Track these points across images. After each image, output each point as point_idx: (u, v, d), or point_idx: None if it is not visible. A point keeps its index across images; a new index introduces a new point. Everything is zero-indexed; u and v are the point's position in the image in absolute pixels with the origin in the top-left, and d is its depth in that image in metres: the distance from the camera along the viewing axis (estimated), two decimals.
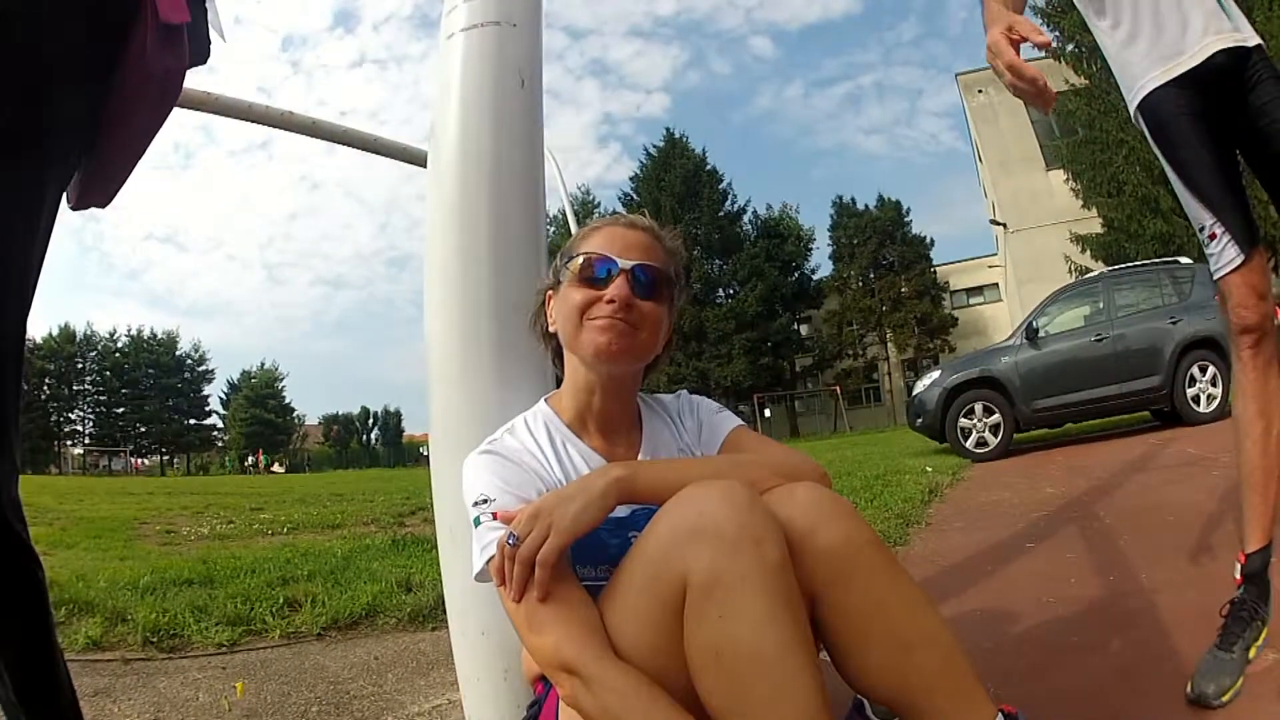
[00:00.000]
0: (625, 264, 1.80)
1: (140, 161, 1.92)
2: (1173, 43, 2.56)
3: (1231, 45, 2.50)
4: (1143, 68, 2.64)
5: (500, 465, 1.76)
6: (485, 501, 1.66)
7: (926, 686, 1.52)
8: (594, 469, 1.80)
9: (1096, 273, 16.10)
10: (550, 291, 1.95)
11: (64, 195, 1.78)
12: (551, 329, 1.94)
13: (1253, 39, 2.53)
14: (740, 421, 2.03)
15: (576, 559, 1.64)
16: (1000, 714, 1.53)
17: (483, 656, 2.39)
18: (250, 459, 68.62)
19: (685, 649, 1.42)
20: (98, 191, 1.88)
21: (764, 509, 1.47)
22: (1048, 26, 28.60)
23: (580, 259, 1.83)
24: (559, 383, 2.03)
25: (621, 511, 1.65)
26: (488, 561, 1.56)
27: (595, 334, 1.78)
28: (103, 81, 1.73)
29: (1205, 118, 2.54)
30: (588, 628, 1.46)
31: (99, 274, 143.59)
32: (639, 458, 1.92)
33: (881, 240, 55.69)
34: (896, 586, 1.54)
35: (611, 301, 1.77)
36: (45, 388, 71.87)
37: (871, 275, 56.22)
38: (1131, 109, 2.73)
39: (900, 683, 1.53)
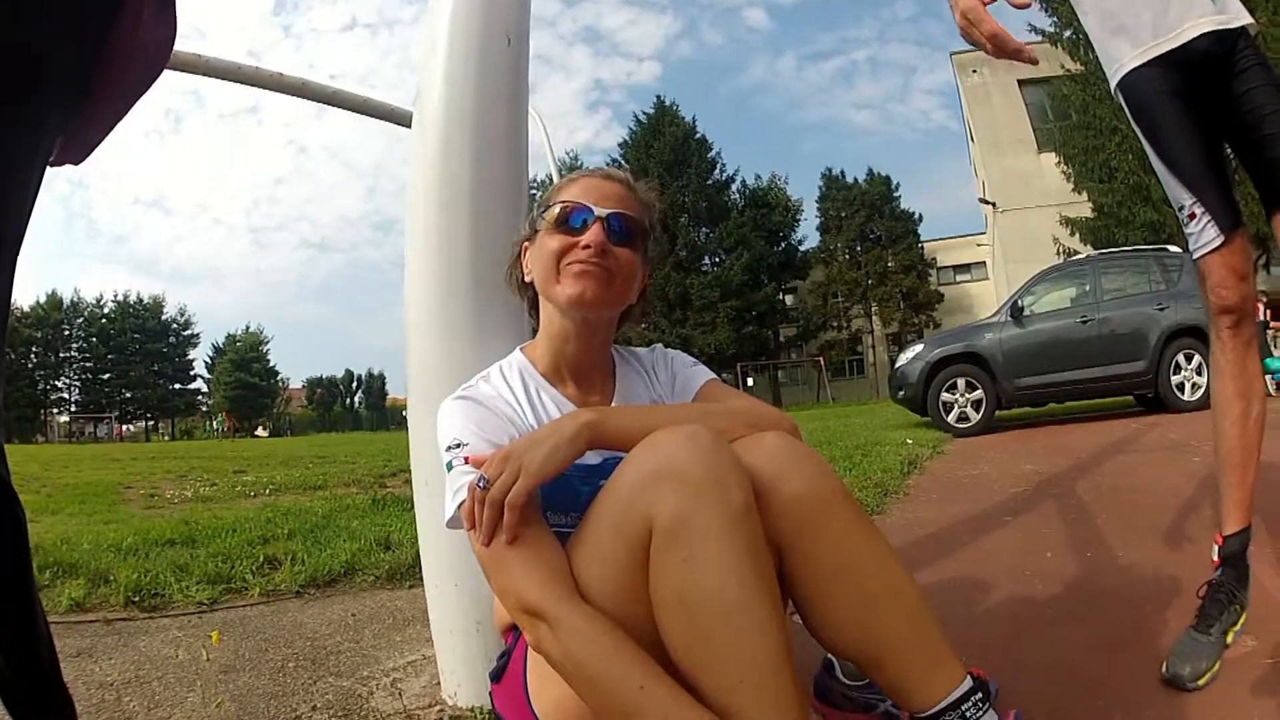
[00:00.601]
0: (601, 211, 1.81)
1: (119, 124, 1.92)
2: (1152, 23, 2.54)
3: (1214, 29, 2.47)
4: (1122, 48, 2.63)
5: (474, 410, 1.76)
6: (458, 446, 1.66)
7: (894, 643, 1.53)
8: (568, 411, 1.80)
9: (1085, 255, 16.13)
10: (526, 243, 1.95)
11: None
12: (527, 279, 1.94)
13: (1238, 20, 2.50)
14: (713, 375, 2.04)
15: (548, 506, 1.64)
16: (969, 676, 1.54)
17: (456, 609, 2.42)
18: (220, 422, 66.66)
19: (650, 593, 1.43)
20: (75, 151, 1.87)
21: (731, 455, 1.47)
22: (1045, 12, 28.61)
23: (557, 207, 1.84)
24: (535, 334, 2.03)
25: (593, 459, 1.66)
26: (460, 506, 1.57)
27: (571, 281, 1.79)
28: (96, 45, 1.72)
29: (1188, 99, 2.52)
30: (554, 571, 1.47)
31: (85, 240, 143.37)
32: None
33: (869, 214, 55.83)
34: (864, 539, 1.55)
35: (587, 247, 1.77)
36: (33, 356, 71.77)
37: (858, 248, 56.47)
38: (1112, 87, 2.72)
39: (867, 638, 1.54)
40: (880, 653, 1.54)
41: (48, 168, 1.75)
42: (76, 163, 1.91)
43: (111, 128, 1.90)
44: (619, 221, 1.82)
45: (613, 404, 1.93)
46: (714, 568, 1.36)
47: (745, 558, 1.38)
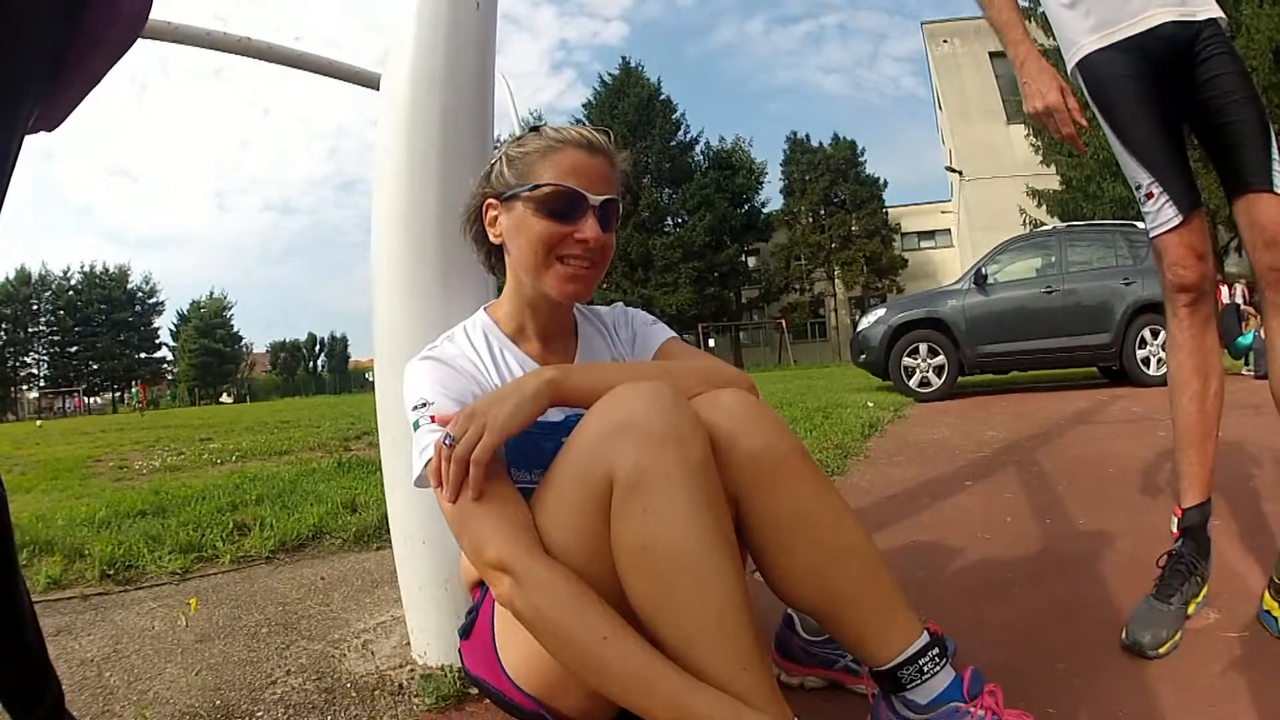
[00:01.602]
0: (595, 200, 1.77)
1: (94, 89, 1.91)
2: (1111, 8, 2.56)
3: (1175, 18, 2.49)
4: (1080, 30, 2.64)
5: (439, 370, 1.78)
6: (424, 405, 1.68)
7: (851, 597, 1.57)
8: (532, 370, 1.82)
9: (1051, 226, 16.19)
10: (494, 200, 1.88)
11: None
12: (495, 240, 1.91)
13: (1204, 13, 2.51)
14: (673, 333, 2.07)
15: (512, 463, 1.67)
16: (926, 632, 1.58)
17: (424, 566, 2.45)
18: (133, 393, 62.76)
19: (612, 546, 1.46)
20: (48, 119, 1.87)
21: (690, 410, 1.51)
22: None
23: (547, 189, 1.77)
24: (500, 290, 2.04)
25: (556, 416, 1.68)
26: (426, 464, 1.59)
27: (563, 281, 1.79)
28: (74, 15, 1.72)
29: (1148, 81, 2.53)
30: (519, 526, 1.49)
31: (53, 212, 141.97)
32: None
33: (834, 178, 55.57)
34: (819, 495, 1.59)
35: (584, 241, 1.76)
36: (2, 333, 71.15)
37: (822, 212, 56.16)
38: (1069, 69, 2.74)
39: (824, 592, 1.58)
40: (837, 607, 1.59)
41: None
42: (50, 129, 1.91)
43: (88, 91, 1.90)
44: (609, 208, 1.81)
45: (575, 362, 1.95)
46: (674, 518, 1.40)
47: (704, 509, 1.41)
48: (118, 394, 78.17)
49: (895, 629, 1.57)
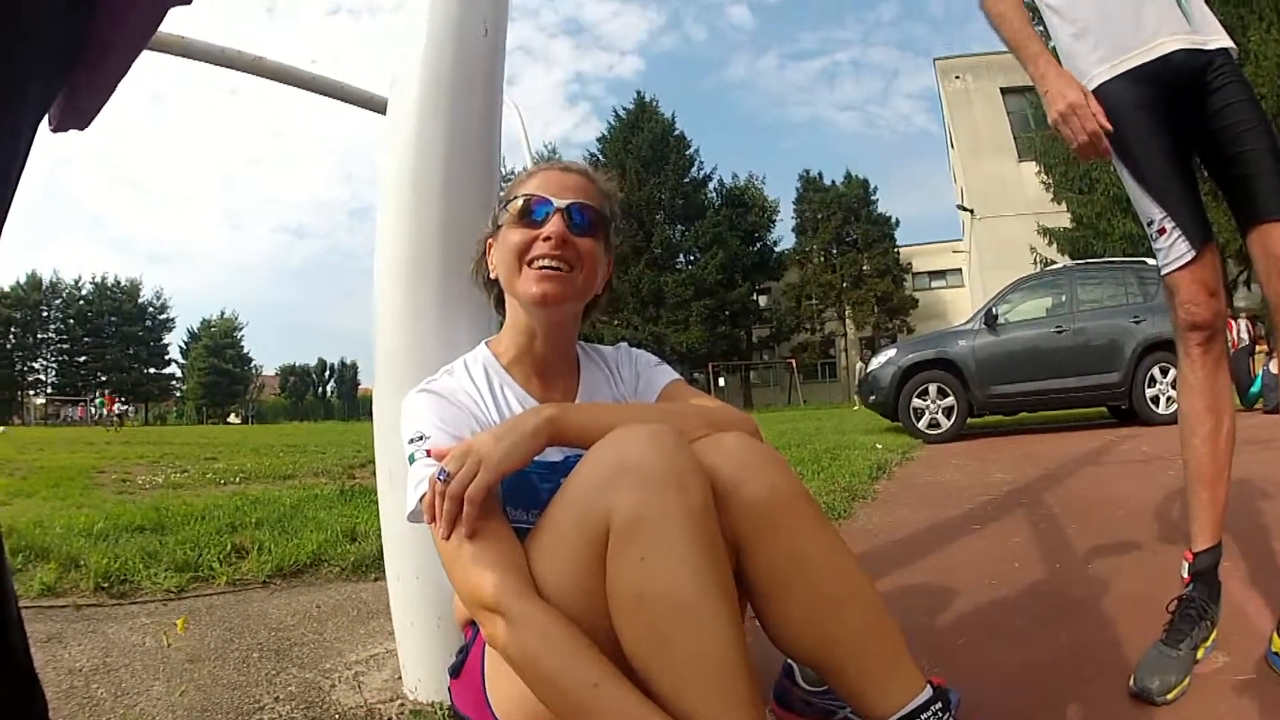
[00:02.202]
0: (560, 203, 1.83)
1: (124, 78, 1.88)
2: (1122, 37, 2.55)
3: (1187, 46, 2.48)
4: (1090, 61, 2.63)
5: (437, 404, 1.77)
6: (421, 439, 1.67)
7: (852, 647, 1.53)
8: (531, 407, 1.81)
9: (1061, 265, 16.17)
10: (490, 240, 1.97)
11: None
12: (493, 275, 1.96)
13: (1215, 42, 2.51)
14: (677, 375, 2.05)
15: (508, 502, 1.65)
16: (929, 685, 1.54)
17: (416, 601, 2.42)
18: (99, 404, 57.66)
19: (607, 591, 1.43)
20: (77, 114, 1.83)
21: (690, 454, 1.49)
22: (1035, 22, 28.70)
23: (519, 200, 1.86)
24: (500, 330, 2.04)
25: (554, 456, 1.67)
26: (421, 499, 1.57)
27: (533, 283, 1.81)
28: (86, 4, 1.69)
29: (1158, 112, 2.52)
30: (512, 566, 1.47)
31: (62, 219, 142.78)
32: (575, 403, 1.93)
33: (846, 216, 56.09)
34: (822, 541, 1.56)
35: (549, 239, 1.80)
36: (11, 336, 71.43)
37: (834, 251, 56.64)
38: None
39: (825, 642, 1.54)
40: (838, 657, 1.54)
41: (53, 133, 1.72)
42: (82, 127, 1.88)
43: (113, 88, 1.87)
44: (579, 212, 1.84)
45: (576, 400, 1.94)
46: (671, 566, 1.37)
47: (703, 556, 1.38)
48: (125, 406, 78.59)
49: (897, 681, 1.53)
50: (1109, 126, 2.45)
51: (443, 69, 2.48)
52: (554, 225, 1.80)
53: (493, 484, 1.48)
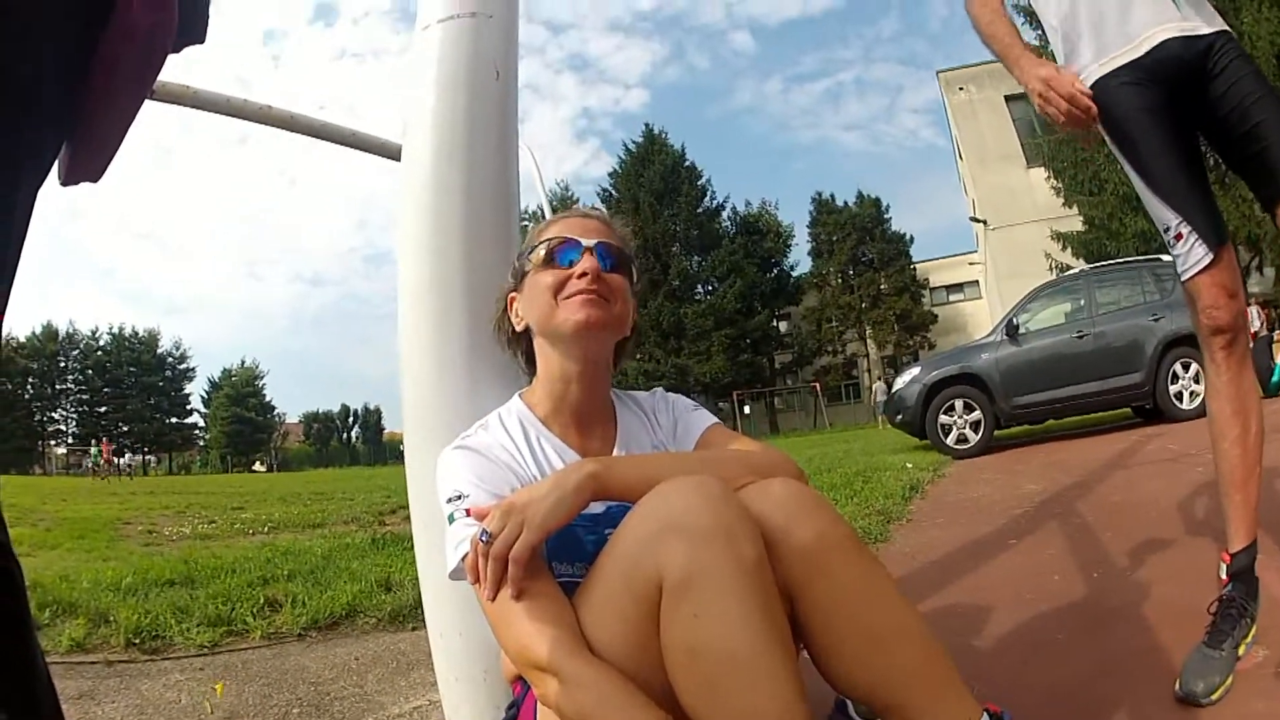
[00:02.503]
0: (588, 242, 1.84)
1: (128, 132, 1.88)
2: (1113, 31, 2.56)
3: (1178, 35, 2.48)
4: (1083, 61, 2.64)
5: (474, 461, 1.75)
6: (459, 498, 1.65)
7: (906, 682, 1.51)
8: (571, 458, 1.81)
9: (1078, 269, 16.10)
10: (512, 294, 1.98)
11: (53, 170, 1.73)
12: (519, 328, 1.95)
13: (1207, 27, 2.50)
14: (715, 419, 2.04)
15: (552, 556, 1.63)
16: (985, 712, 1.52)
17: (460, 657, 2.39)
18: (95, 452, 51.38)
19: (661, 647, 1.41)
20: (86, 165, 1.83)
21: (739, 505, 1.47)
22: (1028, 25, 28.78)
23: (543, 246, 1.87)
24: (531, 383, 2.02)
25: (597, 508, 1.64)
26: (462, 559, 1.56)
27: (573, 309, 1.80)
28: (84, 45, 1.68)
29: (1163, 113, 2.51)
30: (562, 625, 1.46)
31: (76, 271, 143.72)
32: (614, 453, 1.91)
33: (861, 237, 56.04)
34: (873, 582, 1.54)
35: (584, 275, 1.80)
36: (29, 387, 71.84)
37: (851, 272, 56.52)
38: None
39: (879, 679, 1.52)
40: (893, 693, 1.53)
41: (63, 187, 1.72)
42: (94, 179, 1.88)
43: (120, 136, 1.86)
44: (606, 251, 1.85)
45: (615, 450, 1.93)
46: (725, 621, 1.35)
47: (757, 609, 1.37)
48: (148, 456, 78.76)
49: (952, 710, 1.51)
50: (1086, 89, 2.44)
51: (456, 115, 2.48)
52: (587, 262, 1.81)
53: (537, 544, 1.47)
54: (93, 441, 59.63)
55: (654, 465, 1.65)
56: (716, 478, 1.51)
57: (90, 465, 51.21)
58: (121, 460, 64.25)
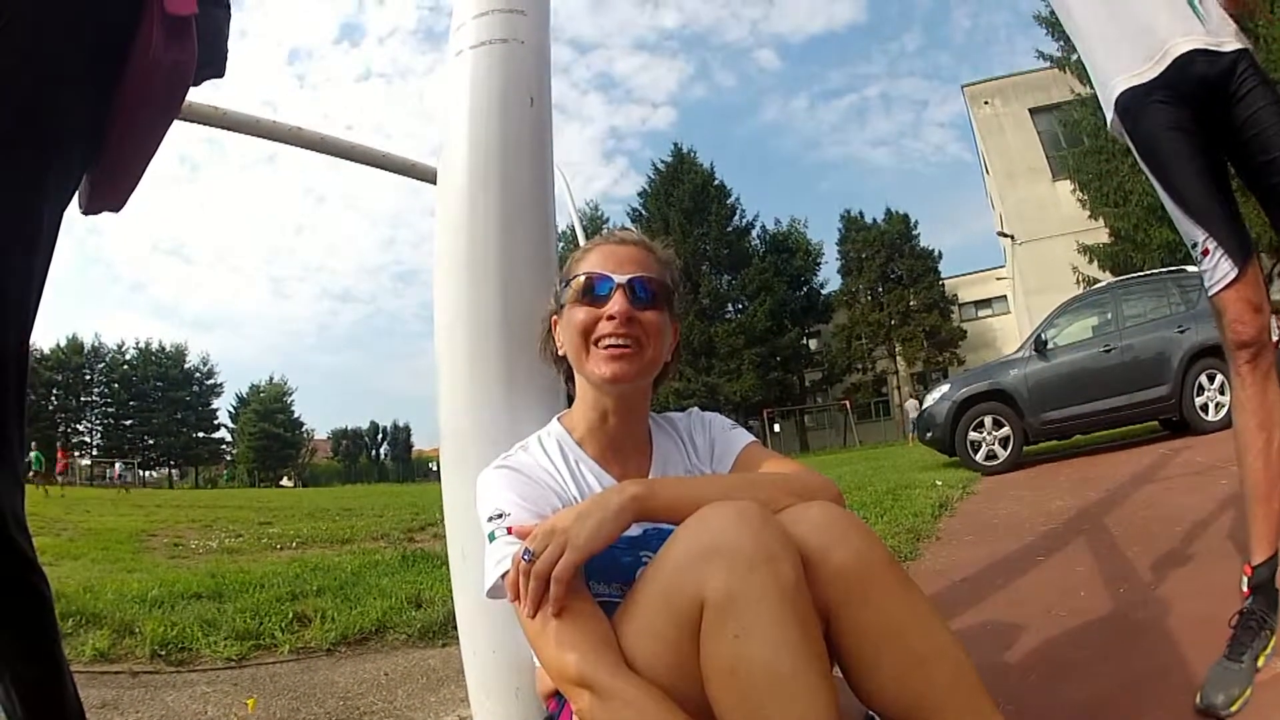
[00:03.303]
0: (621, 278, 1.84)
1: (150, 163, 1.91)
2: (1138, 42, 2.60)
3: (1203, 47, 2.51)
4: (1109, 71, 2.68)
5: (516, 480, 1.78)
6: (500, 516, 1.68)
7: (938, 702, 1.52)
8: (607, 483, 1.83)
9: (1104, 283, 16.01)
10: (555, 316, 1.99)
11: (74, 199, 1.76)
12: (561, 353, 1.97)
13: (1231, 44, 2.53)
14: (752, 438, 2.05)
15: (589, 575, 1.65)
16: None
17: (493, 674, 2.40)
18: (34, 457, 32.37)
19: (701, 668, 1.43)
20: (108, 194, 1.86)
21: (779, 528, 1.48)
22: (1053, 37, 28.71)
23: (579, 279, 1.88)
24: (570, 400, 2.04)
25: (634, 530, 1.66)
26: (502, 576, 1.58)
27: (601, 363, 1.82)
28: (107, 82, 1.72)
29: (1192, 132, 2.55)
30: (603, 643, 1.48)
31: (104, 286, 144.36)
32: (650, 476, 1.93)
33: (889, 254, 55.63)
34: (909, 604, 1.55)
35: (613, 318, 1.80)
36: (53, 399, 72.28)
37: (880, 289, 56.10)
38: (1109, 118, 2.77)
39: (912, 698, 1.53)
40: (926, 713, 1.53)
41: (85, 215, 1.75)
42: (116, 209, 1.91)
43: (142, 167, 1.89)
44: (641, 286, 1.85)
45: (650, 474, 1.94)
46: (766, 642, 1.37)
47: (796, 631, 1.38)
48: (174, 469, 79.09)
49: None
50: None
51: (491, 142, 2.50)
52: (618, 303, 1.81)
53: (579, 564, 1.49)
54: (33, 444, 37.20)
55: (695, 488, 1.67)
56: (757, 501, 1.53)
57: (33, 472, 31.40)
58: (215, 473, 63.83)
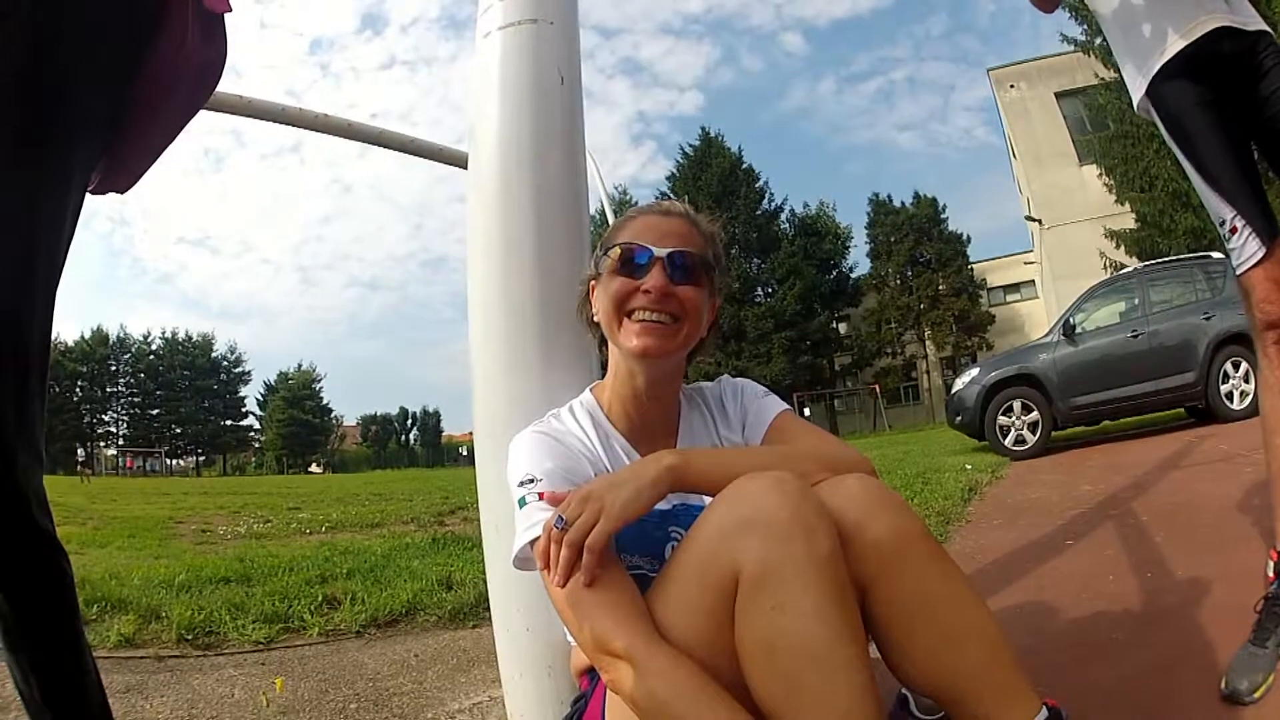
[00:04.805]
0: (661, 251, 1.81)
1: (166, 150, 1.91)
2: (1164, 23, 2.57)
3: (1227, 25, 2.49)
4: (1141, 52, 2.66)
5: (550, 445, 1.77)
6: (532, 481, 1.67)
7: (972, 679, 1.52)
8: (634, 459, 1.82)
9: (1132, 268, 15.91)
10: (593, 281, 1.95)
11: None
12: (596, 319, 1.94)
13: (1254, 24, 2.52)
14: (785, 406, 2.03)
15: (620, 547, 1.64)
16: (1044, 707, 1.53)
17: (526, 653, 2.39)
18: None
19: (736, 640, 1.42)
20: (119, 178, 1.87)
21: (815, 500, 1.48)
22: (1075, 20, 28.46)
23: (618, 249, 1.85)
24: (604, 367, 2.04)
25: (665, 504, 1.65)
26: (531, 543, 1.57)
27: (633, 336, 1.80)
28: (131, 75, 1.72)
29: (1217, 108, 2.52)
30: (635, 612, 1.47)
31: (130, 278, 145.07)
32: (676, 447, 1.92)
33: (918, 237, 55.31)
34: (945, 579, 1.55)
35: (648, 292, 1.78)
36: (78, 390, 72.86)
37: (909, 273, 55.83)
38: (1136, 100, 2.74)
39: (946, 675, 1.53)
40: (959, 688, 1.54)
41: (87, 196, 1.76)
42: (122, 191, 1.91)
43: (156, 155, 1.90)
44: (681, 259, 1.82)
45: (677, 445, 1.93)
46: (802, 614, 1.37)
47: (832, 603, 1.38)
48: (202, 457, 79.60)
49: (1015, 707, 1.52)
50: None
51: (522, 122, 2.49)
52: (655, 277, 1.79)
53: (613, 533, 1.48)
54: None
55: (731, 460, 1.66)
56: (792, 473, 1.52)
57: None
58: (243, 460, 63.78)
